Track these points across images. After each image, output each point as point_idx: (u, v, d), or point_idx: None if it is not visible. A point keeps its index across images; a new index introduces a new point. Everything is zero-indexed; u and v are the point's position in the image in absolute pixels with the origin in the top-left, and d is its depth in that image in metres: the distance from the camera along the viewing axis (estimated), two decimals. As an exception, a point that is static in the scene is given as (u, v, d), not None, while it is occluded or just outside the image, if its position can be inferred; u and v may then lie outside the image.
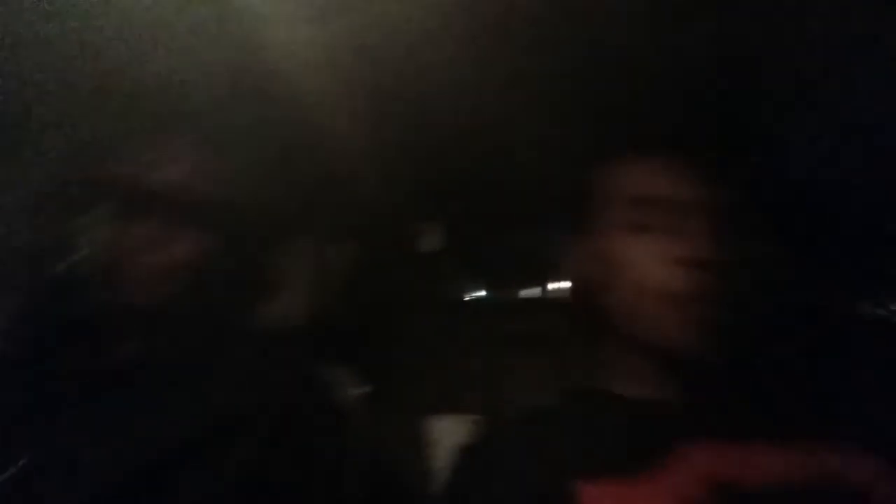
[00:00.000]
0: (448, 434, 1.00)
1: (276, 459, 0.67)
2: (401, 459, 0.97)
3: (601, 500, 0.50)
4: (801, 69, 0.79)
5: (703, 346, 0.54)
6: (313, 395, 0.76)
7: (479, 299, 1.59)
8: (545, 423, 0.62)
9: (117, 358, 0.75)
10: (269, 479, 0.66)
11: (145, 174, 0.75)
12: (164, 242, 0.73)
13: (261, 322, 0.92)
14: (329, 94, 0.87)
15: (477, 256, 1.58)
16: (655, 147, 0.64)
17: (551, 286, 1.49)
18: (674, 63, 0.78)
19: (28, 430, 0.66)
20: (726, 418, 0.55)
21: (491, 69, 0.84)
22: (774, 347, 0.67)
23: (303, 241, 1.02)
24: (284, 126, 0.90)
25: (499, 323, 1.37)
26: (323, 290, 0.99)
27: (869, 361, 0.70)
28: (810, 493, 0.48)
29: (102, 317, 0.77)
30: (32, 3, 0.69)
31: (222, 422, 0.66)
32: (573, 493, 0.51)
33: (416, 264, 1.49)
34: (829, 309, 0.80)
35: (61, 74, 0.82)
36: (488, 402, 1.25)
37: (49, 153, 0.91)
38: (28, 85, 0.84)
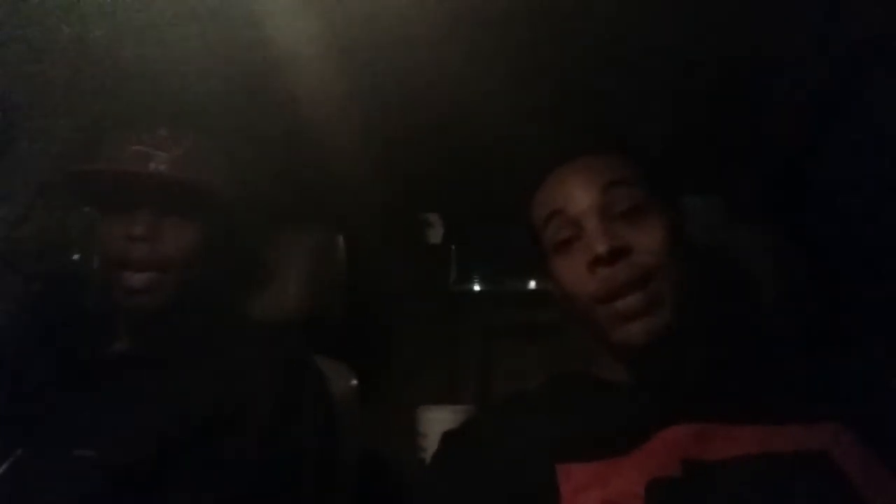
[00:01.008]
0: (440, 425, 1.01)
1: (270, 449, 0.68)
2: (392, 450, 0.98)
3: (579, 479, 0.52)
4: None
5: (648, 333, 0.56)
6: (307, 386, 0.76)
7: (472, 291, 1.60)
8: (526, 405, 0.64)
9: (112, 351, 0.76)
10: (263, 469, 0.67)
11: (135, 169, 0.74)
12: (156, 236, 0.73)
13: (256, 314, 0.93)
14: (326, 87, 0.88)
15: (471, 249, 1.60)
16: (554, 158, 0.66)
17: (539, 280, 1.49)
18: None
19: (25, 423, 0.67)
20: (703, 397, 0.56)
21: (485, 65, 0.85)
22: (744, 324, 0.68)
23: (298, 232, 1.03)
24: (282, 119, 0.91)
25: (491, 315, 1.38)
26: (317, 282, 1.00)
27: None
28: (784, 466, 0.49)
29: (97, 311, 0.78)
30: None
31: (217, 412, 0.67)
32: (552, 473, 0.52)
33: (411, 256, 1.51)
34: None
35: (56, 68, 0.83)
36: (480, 392, 1.27)
37: (44, 148, 0.92)
38: (26, 81, 0.85)
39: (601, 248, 0.57)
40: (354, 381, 0.93)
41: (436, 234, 1.61)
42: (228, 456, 0.66)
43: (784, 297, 0.78)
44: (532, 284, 1.50)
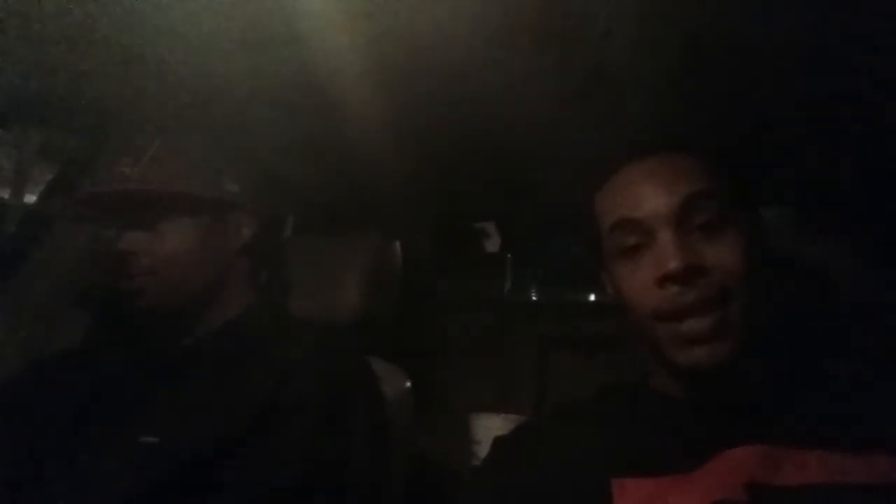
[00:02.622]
0: (494, 433, 1.00)
1: (322, 447, 0.69)
2: (442, 455, 0.98)
3: (635, 495, 0.50)
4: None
5: (711, 356, 0.51)
6: (361, 386, 0.77)
7: (528, 301, 1.58)
8: (581, 414, 0.61)
9: (179, 347, 0.80)
10: (314, 466, 0.68)
11: (104, 189, 0.77)
12: (139, 250, 0.75)
13: (314, 315, 0.96)
14: (378, 99, 0.90)
15: (527, 259, 1.58)
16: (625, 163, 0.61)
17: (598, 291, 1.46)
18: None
19: (100, 412, 0.72)
20: (770, 419, 0.52)
21: (533, 64, 0.84)
22: (814, 345, 0.63)
23: (357, 238, 1.06)
24: (334, 130, 0.94)
25: (547, 325, 1.36)
26: (374, 286, 1.03)
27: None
28: (858, 498, 0.46)
29: (146, 317, 0.82)
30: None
31: (273, 409, 0.69)
32: (607, 487, 0.51)
33: (466, 265, 1.51)
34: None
35: (134, 77, 0.88)
36: (535, 403, 1.25)
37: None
38: (104, 89, 0.90)
39: (675, 264, 0.52)
40: (408, 384, 0.95)
41: (492, 244, 1.61)
42: (282, 451, 0.67)
43: (861, 312, 0.73)
44: (591, 297, 1.47)
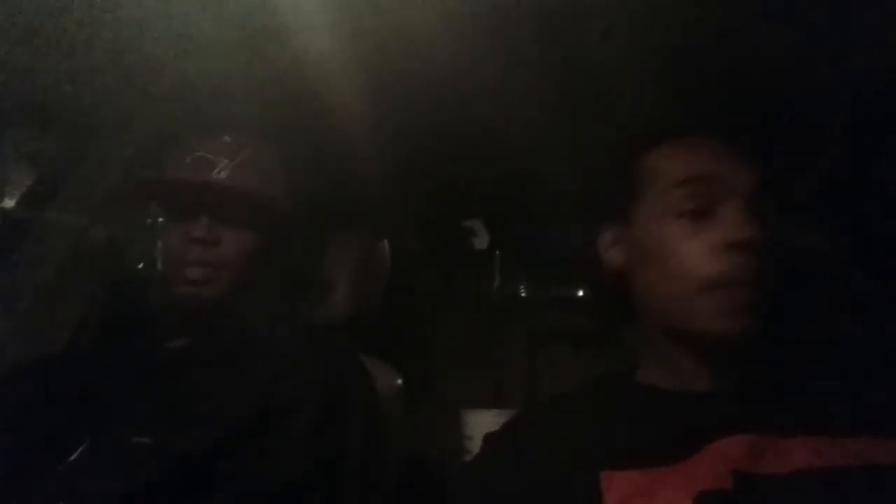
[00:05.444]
0: (486, 428, 1.01)
1: (315, 445, 0.69)
2: (434, 451, 0.98)
3: (623, 488, 0.50)
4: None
5: (743, 332, 0.52)
6: (353, 384, 0.77)
7: (517, 296, 1.59)
8: (569, 408, 0.62)
9: (170, 347, 0.80)
10: (308, 464, 0.68)
11: (198, 178, 0.78)
12: (215, 240, 0.76)
13: (305, 314, 0.96)
14: (368, 96, 0.90)
15: (515, 255, 1.59)
16: (695, 128, 0.62)
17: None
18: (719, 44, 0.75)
19: (93, 414, 0.72)
20: (757, 408, 0.53)
21: (520, 61, 0.84)
22: (813, 334, 0.64)
23: (345, 237, 1.06)
24: (328, 130, 0.94)
25: (536, 320, 1.37)
26: (363, 285, 1.03)
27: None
28: (840, 481, 0.47)
29: (157, 311, 0.83)
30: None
31: (265, 408, 0.69)
32: (596, 480, 0.51)
33: (454, 261, 1.52)
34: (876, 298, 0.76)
35: (122, 78, 0.88)
36: (526, 396, 1.26)
37: (112, 157, 0.98)
38: (93, 89, 0.91)
39: (747, 233, 0.53)
40: (399, 381, 0.95)
41: (480, 241, 1.62)
42: (275, 450, 0.68)
43: (847, 299, 0.74)
44: (579, 292, 1.48)
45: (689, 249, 0.55)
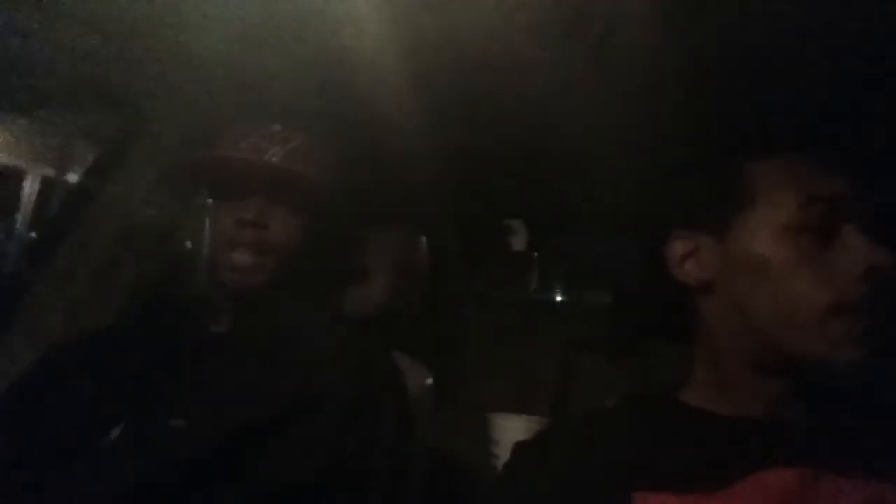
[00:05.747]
0: (514, 433, 1.00)
1: (344, 438, 0.70)
2: (460, 451, 0.98)
3: (656, 512, 0.49)
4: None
5: (860, 360, 0.49)
6: (383, 379, 0.78)
7: (554, 301, 1.57)
8: (605, 424, 0.60)
9: (210, 332, 0.82)
10: (337, 456, 0.69)
11: (251, 157, 0.79)
12: (264, 222, 0.77)
13: (340, 307, 0.97)
14: (415, 95, 0.90)
15: (555, 259, 1.57)
16: (810, 141, 0.59)
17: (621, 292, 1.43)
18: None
19: (129, 396, 0.73)
20: (813, 441, 0.50)
21: (593, 68, 0.82)
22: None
23: (383, 232, 1.06)
24: (372, 121, 0.95)
25: (572, 326, 1.34)
26: (399, 280, 1.03)
27: None
28: None
29: (200, 295, 0.85)
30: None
31: (297, 398, 0.70)
32: (629, 500, 0.50)
33: (492, 261, 1.50)
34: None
35: (171, 65, 0.91)
36: (556, 404, 1.24)
37: (160, 141, 1.01)
38: (143, 76, 0.94)
39: (882, 256, 0.50)
40: (430, 380, 0.95)
41: (519, 241, 1.60)
42: (305, 441, 0.68)
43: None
44: (612, 297, 1.44)
45: (816, 271, 0.52)
